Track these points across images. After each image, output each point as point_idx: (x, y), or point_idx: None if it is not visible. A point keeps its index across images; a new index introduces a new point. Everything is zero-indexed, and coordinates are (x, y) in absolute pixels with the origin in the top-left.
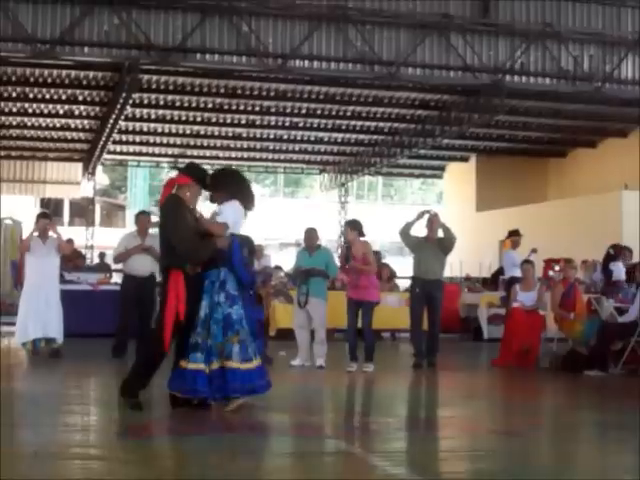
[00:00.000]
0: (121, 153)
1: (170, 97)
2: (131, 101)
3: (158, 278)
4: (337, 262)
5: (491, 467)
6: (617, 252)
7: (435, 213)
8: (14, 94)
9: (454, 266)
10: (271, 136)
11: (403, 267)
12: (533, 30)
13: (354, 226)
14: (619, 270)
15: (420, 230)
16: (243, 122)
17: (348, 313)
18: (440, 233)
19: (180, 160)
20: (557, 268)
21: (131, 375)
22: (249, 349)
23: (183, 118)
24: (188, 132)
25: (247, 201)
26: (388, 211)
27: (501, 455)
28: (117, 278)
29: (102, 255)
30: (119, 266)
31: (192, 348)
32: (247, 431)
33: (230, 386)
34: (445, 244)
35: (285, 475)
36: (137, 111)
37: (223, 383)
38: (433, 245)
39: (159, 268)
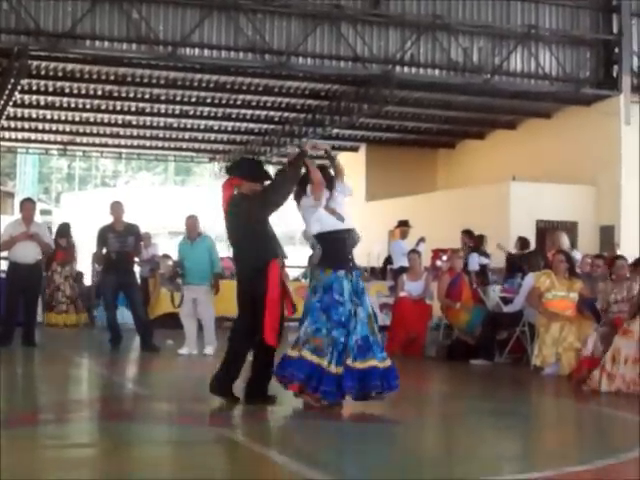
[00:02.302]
0: (10, 140)
1: (59, 84)
2: (20, 87)
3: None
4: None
5: (378, 456)
6: (475, 243)
7: None
8: None
9: None
10: (161, 124)
11: (292, 256)
12: (423, 22)
13: None
14: (473, 261)
15: None
16: (133, 110)
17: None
18: None
19: (69, 147)
20: (444, 258)
21: (251, 378)
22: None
23: (72, 105)
24: (77, 119)
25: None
26: None
27: (386, 443)
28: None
29: None
30: (4, 254)
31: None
32: (130, 419)
33: (371, 384)
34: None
35: (166, 464)
36: (26, 97)
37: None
38: None
39: (252, 265)
